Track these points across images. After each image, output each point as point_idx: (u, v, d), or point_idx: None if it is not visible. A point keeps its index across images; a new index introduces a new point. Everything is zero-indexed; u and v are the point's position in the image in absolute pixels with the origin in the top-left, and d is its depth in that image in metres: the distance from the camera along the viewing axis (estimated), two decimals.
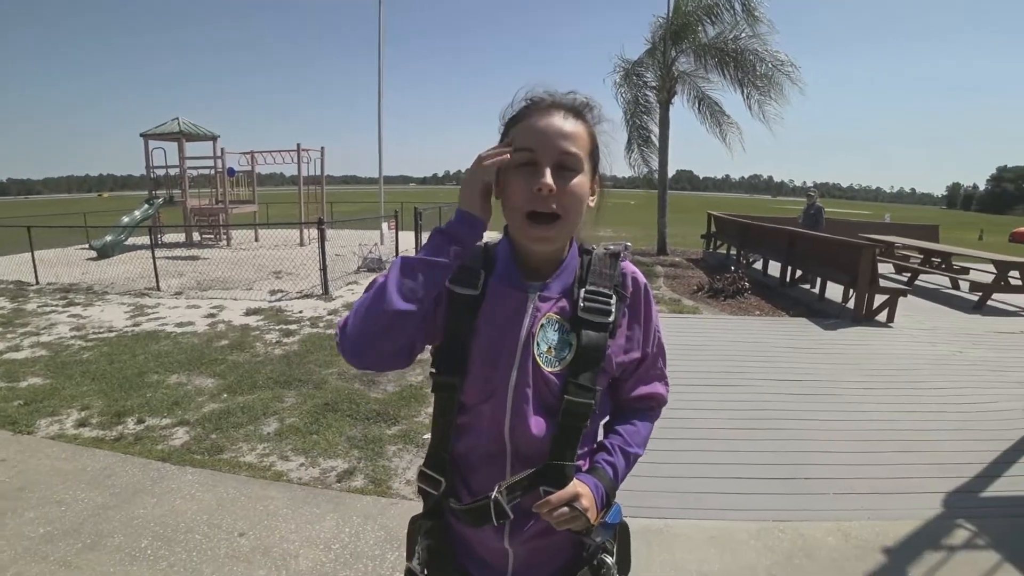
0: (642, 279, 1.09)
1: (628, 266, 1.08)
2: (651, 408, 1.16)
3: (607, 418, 1.14)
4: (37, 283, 9.40)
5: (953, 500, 3.06)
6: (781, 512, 2.95)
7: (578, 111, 1.00)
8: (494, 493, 0.96)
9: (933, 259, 10.50)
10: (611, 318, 1.00)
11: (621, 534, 1.11)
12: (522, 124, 0.97)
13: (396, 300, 0.90)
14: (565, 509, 0.93)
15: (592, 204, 1.04)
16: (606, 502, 1.01)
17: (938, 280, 10.11)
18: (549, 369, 0.98)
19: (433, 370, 1.03)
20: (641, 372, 1.11)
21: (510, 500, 0.96)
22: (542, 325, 1.00)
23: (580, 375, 0.98)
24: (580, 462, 1.04)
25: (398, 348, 0.95)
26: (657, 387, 1.15)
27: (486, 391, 0.99)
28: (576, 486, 0.96)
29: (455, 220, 0.96)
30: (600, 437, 1.13)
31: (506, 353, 0.99)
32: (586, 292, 1.01)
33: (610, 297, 1.02)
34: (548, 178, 0.92)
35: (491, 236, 1.07)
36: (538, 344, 0.99)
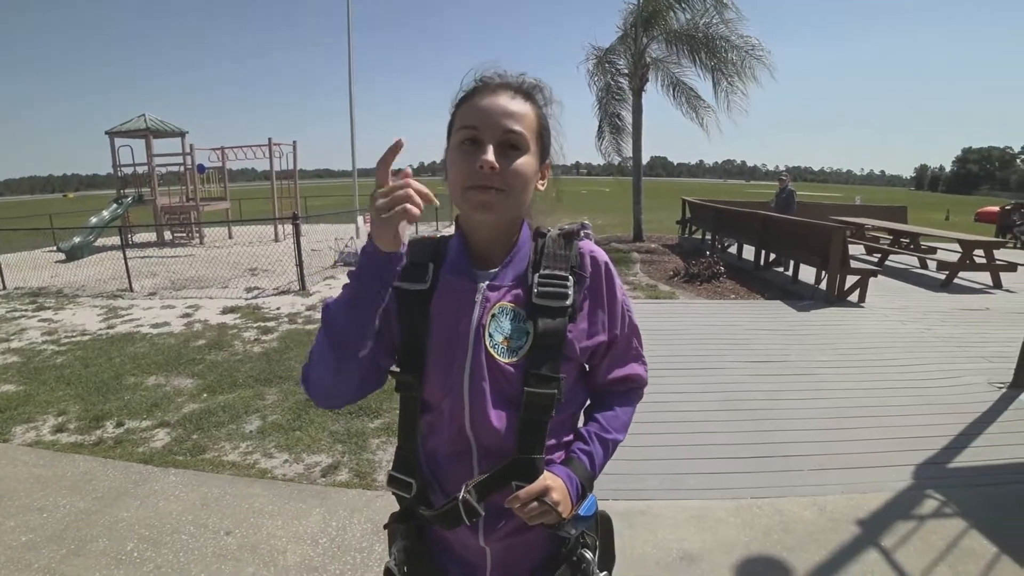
0: (602, 257, 1.03)
1: (586, 244, 1.03)
2: (630, 390, 1.13)
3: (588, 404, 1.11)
4: (4, 288, 9.16)
5: (922, 472, 3.18)
6: (759, 489, 3.03)
7: (526, 92, 0.97)
8: (461, 493, 0.93)
9: (902, 240, 10.77)
10: (568, 301, 0.95)
11: (603, 527, 1.09)
12: (468, 103, 0.95)
13: (332, 360, 0.92)
14: (535, 504, 0.91)
15: (541, 188, 1.02)
16: (582, 493, 0.99)
17: (907, 260, 10.38)
18: (505, 360, 0.94)
19: (396, 369, 1.01)
20: (615, 354, 1.07)
21: (480, 498, 0.94)
22: (493, 315, 0.96)
23: (541, 365, 0.93)
24: (557, 453, 1.02)
25: (361, 380, 0.96)
26: (634, 368, 1.11)
27: (444, 387, 0.96)
28: (547, 479, 0.94)
29: (362, 257, 0.90)
30: (580, 424, 1.10)
31: (458, 346, 0.96)
32: (540, 277, 0.97)
33: (566, 279, 0.96)
34: (490, 155, 0.89)
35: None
36: (490, 335, 0.95)
